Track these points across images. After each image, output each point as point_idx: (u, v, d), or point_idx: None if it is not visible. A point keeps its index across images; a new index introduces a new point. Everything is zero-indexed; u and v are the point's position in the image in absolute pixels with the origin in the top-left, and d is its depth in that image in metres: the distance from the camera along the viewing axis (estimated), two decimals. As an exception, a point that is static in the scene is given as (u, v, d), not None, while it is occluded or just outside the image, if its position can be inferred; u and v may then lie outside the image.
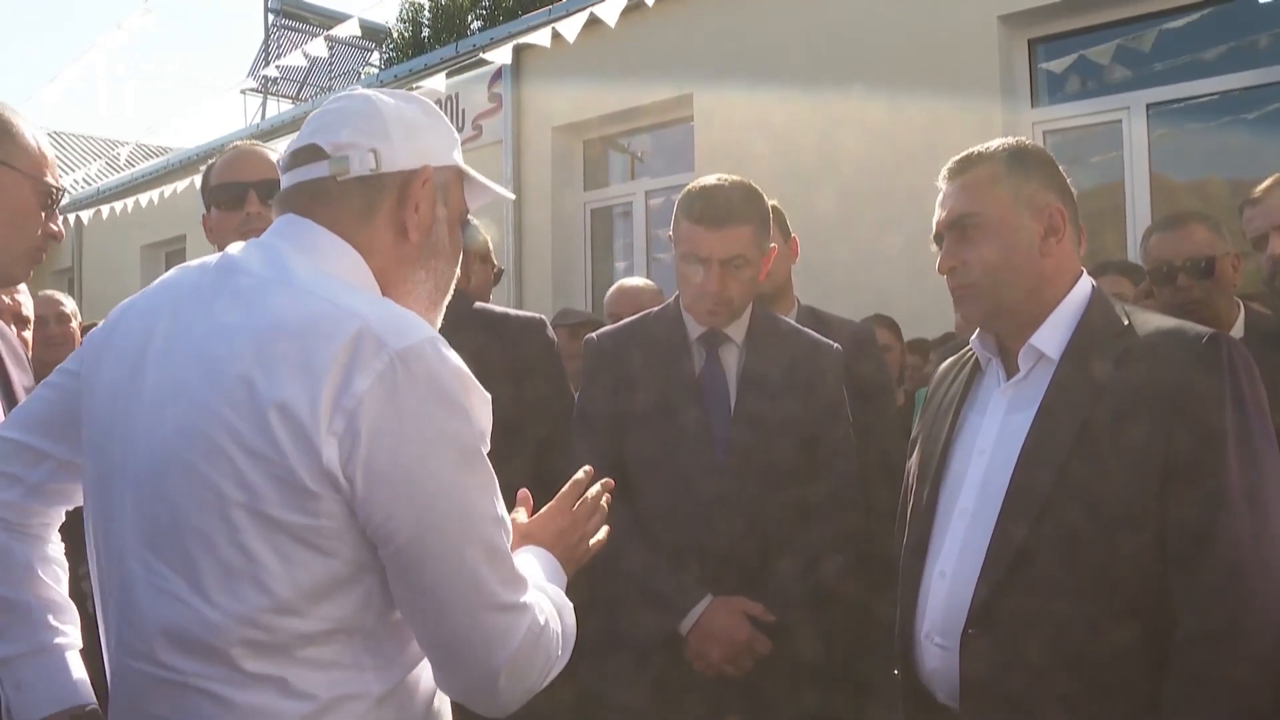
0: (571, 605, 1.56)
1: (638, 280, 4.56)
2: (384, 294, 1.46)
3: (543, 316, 3.11)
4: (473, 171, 1.61)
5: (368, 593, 1.33)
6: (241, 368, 1.28)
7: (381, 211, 1.48)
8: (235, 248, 1.47)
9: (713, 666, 2.48)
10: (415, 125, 1.52)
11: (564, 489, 1.73)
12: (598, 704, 2.61)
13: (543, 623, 1.39)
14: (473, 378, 1.35)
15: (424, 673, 1.43)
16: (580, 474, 1.75)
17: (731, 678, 2.51)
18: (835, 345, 2.76)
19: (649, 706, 2.52)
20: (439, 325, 1.56)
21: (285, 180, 1.51)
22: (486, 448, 1.37)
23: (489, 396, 1.38)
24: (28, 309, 3.34)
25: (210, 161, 2.62)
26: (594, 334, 2.84)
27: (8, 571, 1.68)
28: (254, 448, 1.26)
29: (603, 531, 1.75)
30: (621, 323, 2.91)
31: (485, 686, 1.37)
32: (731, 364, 2.66)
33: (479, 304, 3.04)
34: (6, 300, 3.18)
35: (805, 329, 2.84)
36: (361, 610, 1.33)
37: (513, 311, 3.14)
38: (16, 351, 2.25)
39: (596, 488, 1.75)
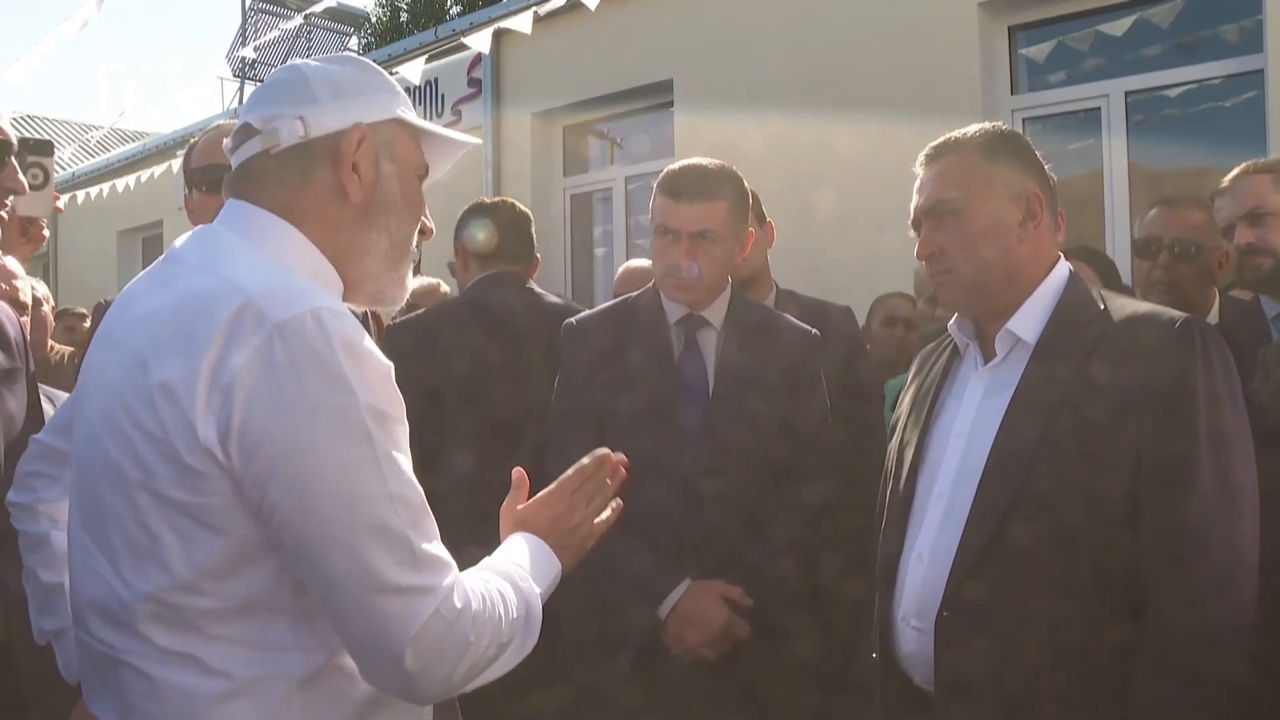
0: (538, 593, 1.49)
1: (645, 262, 4.57)
2: (339, 265, 1.47)
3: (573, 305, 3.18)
4: (423, 123, 1.57)
5: (277, 570, 1.30)
6: (139, 351, 1.30)
7: (318, 177, 1.45)
8: (181, 238, 1.48)
9: (691, 651, 2.48)
10: (345, 85, 1.49)
11: (566, 473, 1.67)
12: (596, 703, 2.60)
13: (459, 606, 1.30)
14: (366, 348, 1.29)
15: None
16: (586, 460, 1.67)
17: (729, 675, 2.51)
18: (814, 331, 2.76)
19: (647, 707, 2.51)
20: (402, 287, 1.55)
21: (232, 162, 1.52)
22: (386, 424, 1.29)
23: (388, 367, 1.32)
24: (25, 294, 3.28)
25: (192, 141, 2.60)
26: (572, 319, 2.83)
27: (51, 558, 1.91)
28: (146, 428, 1.26)
29: (607, 512, 1.67)
30: (600, 307, 2.90)
31: (391, 673, 1.29)
32: (710, 348, 2.65)
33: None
34: (3, 286, 3.13)
35: (784, 314, 2.84)
36: (273, 588, 1.30)
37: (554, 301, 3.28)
38: (2, 329, 2.22)
39: (600, 470, 1.67)
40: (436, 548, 1.32)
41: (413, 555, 1.28)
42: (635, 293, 2.82)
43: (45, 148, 2.76)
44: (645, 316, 2.70)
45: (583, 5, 5.90)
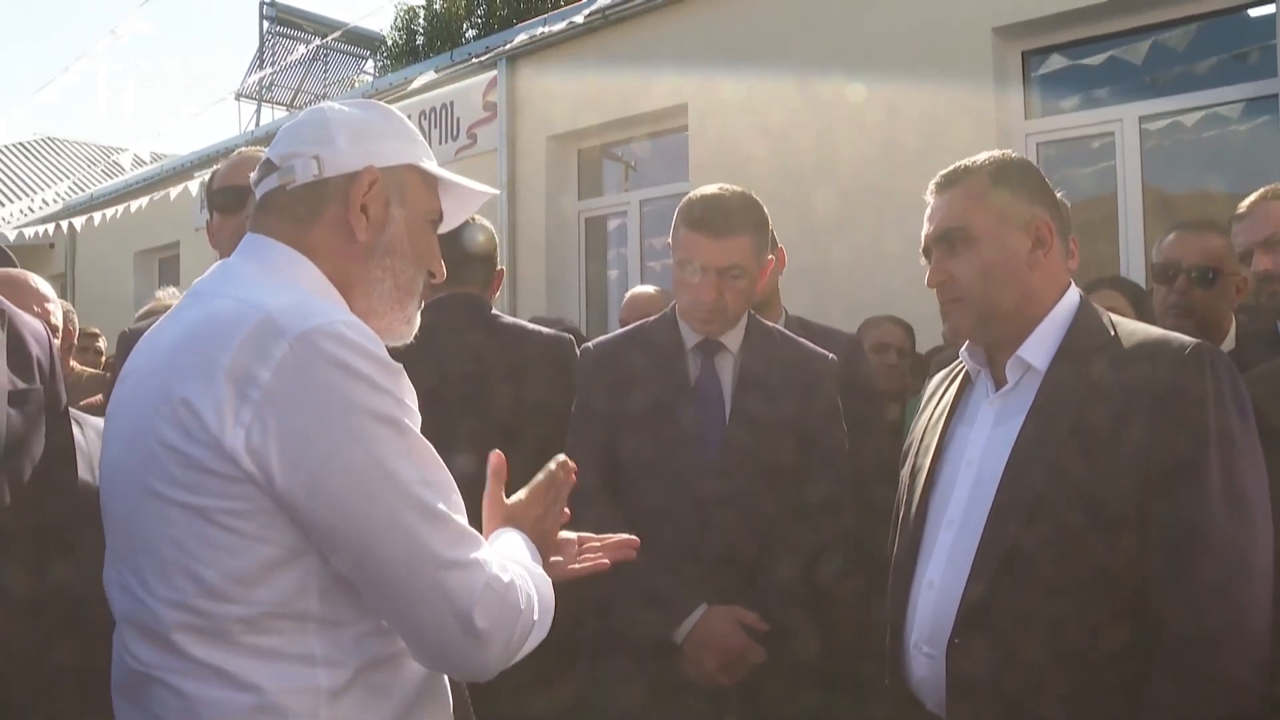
0: (550, 579, 1.56)
1: (649, 288, 4.58)
2: (344, 295, 1.53)
3: (567, 337, 3.10)
4: (443, 172, 1.63)
5: (305, 576, 1.35)
6: (161, 374, 1.37)
7: (327, 214, 1.53)
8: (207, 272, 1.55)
9: (708, 675, 2.49)
10: (364, 129, 1.57)
11: (539, 478, 1.75)
12: (597, 705, 2.61)
13: (506, 580, 1.38)
14: (381, 352, 1.36)
15: (395, 678, 1.43)
16: (552, 464, 1.76)
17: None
18: (830, 355, 2.77)
19: (648, 707, 2.52)
20: (410, 324, 1.62)
21: (256, 195, 1.60)
22: (410, 417, 1.38)
23: (400, 368, 1.39)
24: (56, 318, 3.30)
25: (215, 168, 2.66)
26: (590, 343, 2.85)
27: None
28: (171, 443, 1.32)
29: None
30: (617, 332, 2.93)
31: (460, 646, 1.35)
32: (727, 371, 2.67)
33: (496, 312, 3.07)
34: (36, 309, 3.15)
35: (800, 338, 2.85)
36: (300, 594, 1.35)
37: (534, 326, 3.15)
38: (25, 349, 2.22)
39: (565, 477, 1.76)
40: (468, 525, 1.40)
41: (458, 532, 1.37)
42: (651, 319, 2.84)
43: None
44: (662, 340, 2.72)
45: (598, 29, 5.94)
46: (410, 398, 1.40)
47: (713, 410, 2.64)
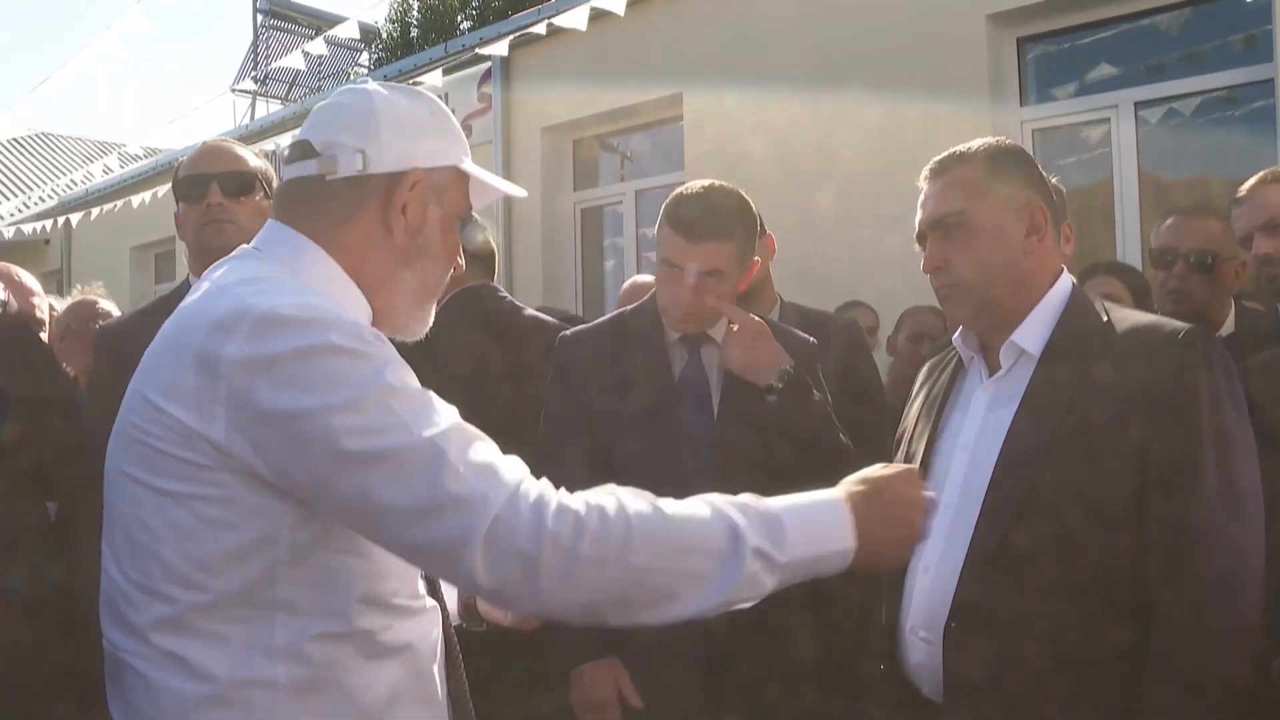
0: (766, 530, 1.46)
1: (649, 277, 4.57)
2: (368, 293, 1.49)
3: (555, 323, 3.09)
4: (482, 173, 1.59)
5: (271, 565, 1.31)
6: (147, 361, 1.38)
7: (366, 212, 1.48)
8: (221, 262, 1.50)
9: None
10: (411, 125, 1.51)
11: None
12: None
13: (529, 506, 1.26)
14: (354, 323, 1.33)
15: (370, 683, 1.38)
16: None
17: (730, 677, 2.49)
18: (812, 340, 2.74)
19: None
20: (424, 323, 1.58)
21: (283, 173, 1.53)
22: (392, 365, 1.30)
23: (381, 335, 1.35)
24: (42, 311, 3.29)
25: (180, 160, 2.68)
26: (567, 331, 2.79)
27: None
28: (142, 426, 1.32)
29: None
30: (596, 321, 2.86)
31: (471, 584, 1.28)
32: (713, 363, 2.62)
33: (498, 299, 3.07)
34: (23, 304, 3.15)
35: (784, 325, 2.81)
36: (265, 583, 1.31)
37: (530, 311, 3.14)
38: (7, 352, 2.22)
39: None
40: (487, 457, 1.29)
41: (454, 471, 1.25)
42: (630, 307, 2.78)
43: None
44: (644, 330, 2.66)
45: (592, 20, 5.92)
46: (387, 346, 1.33)
47: (699, 403, 2.59)
